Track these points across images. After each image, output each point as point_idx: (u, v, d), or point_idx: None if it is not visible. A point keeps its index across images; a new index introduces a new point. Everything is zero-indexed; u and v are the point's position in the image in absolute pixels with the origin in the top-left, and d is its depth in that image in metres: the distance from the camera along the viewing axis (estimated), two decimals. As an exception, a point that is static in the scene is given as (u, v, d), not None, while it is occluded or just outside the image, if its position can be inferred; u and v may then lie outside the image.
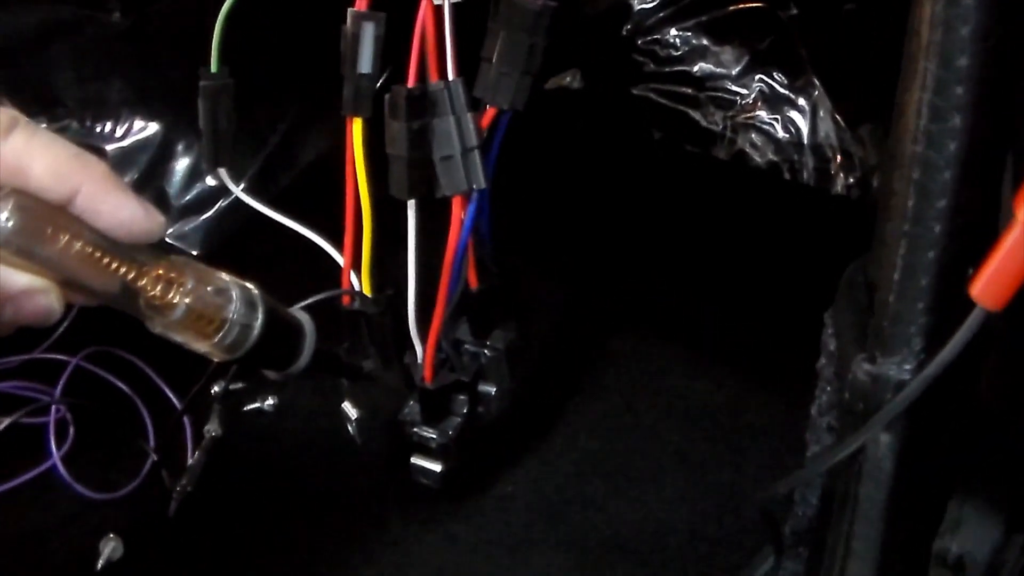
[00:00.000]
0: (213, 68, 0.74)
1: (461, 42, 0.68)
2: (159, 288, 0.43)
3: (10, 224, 0.38)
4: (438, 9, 0.67)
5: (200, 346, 0.46)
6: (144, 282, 0.42)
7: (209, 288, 0.45)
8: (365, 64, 0.69)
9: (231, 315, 0.45)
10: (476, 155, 0.68)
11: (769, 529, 0.62)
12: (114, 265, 0.42)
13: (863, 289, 0.50)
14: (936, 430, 0.48)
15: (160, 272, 0.43)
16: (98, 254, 0.41)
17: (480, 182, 0.68)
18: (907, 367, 0.45)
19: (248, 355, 0.47)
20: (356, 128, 0.70)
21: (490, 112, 0.69)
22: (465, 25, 0.68)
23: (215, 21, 0.72)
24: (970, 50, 0.37)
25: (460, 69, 0.68)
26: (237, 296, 0.46)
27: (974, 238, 0.42)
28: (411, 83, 0.67)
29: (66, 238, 0.40)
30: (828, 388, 0.54)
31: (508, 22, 0.68)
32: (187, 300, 0.43)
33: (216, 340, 0.45)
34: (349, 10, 0.68)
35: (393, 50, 0.69)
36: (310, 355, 0.52)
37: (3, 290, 0.40)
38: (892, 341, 0.44)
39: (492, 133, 0.70)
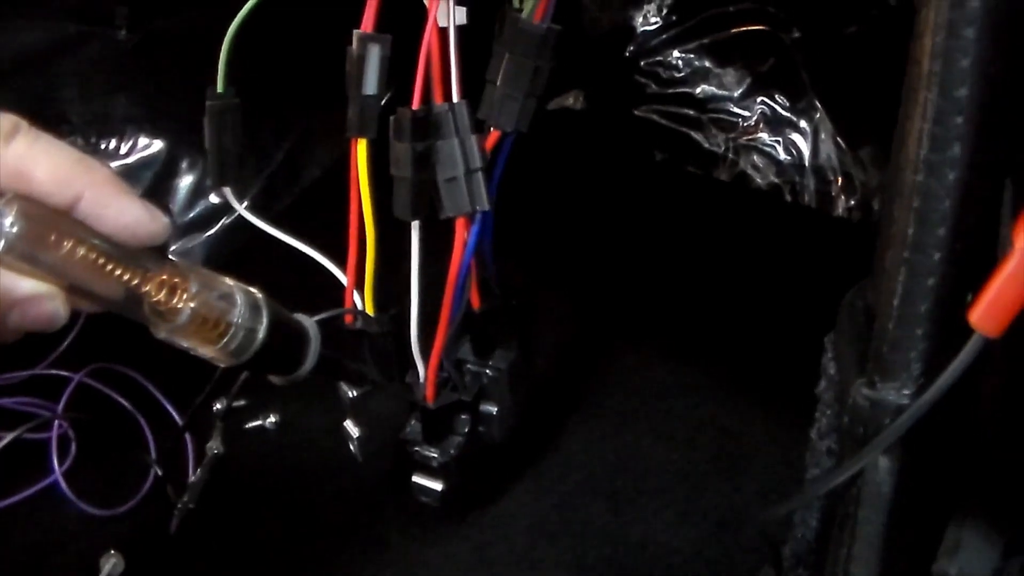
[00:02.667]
0: (219, 88, 0.74)
1: (465, 64, 0.68)
2: (163, 293, 0.43)
3: (14, 230, 0.38)
4: (443, 31, 0.67)
5: (205, 351, 0.46)
6: (148, 287, 0.42)
7: (213, 292, 0.45)
8: (370, 85, 0.69)
9: (236, 319, 0.45)
10: (480, 177, 0.69)
11: (769, 550, 0.62)
12: (118, 271, 0.42)
13: (863, 314, 0.51)
14: (935, 453, 0.49)
15: (164, 277, 0.43)
16: (102, 260, 0.41)
17: (484, 204, 0.69)
18: (906, 392, 0.45)
19: (253, 360, 0.47)
20: (360, 149, 0.70)
21: (494, 134, 0.70)
22: (469, 47, 0.68)
23: (220, 40, 0.72)
24: (970, 81, 0.38)
25: (464, 91, 0.69)
26: (241, 300, 0.46)
27: (973, 265, 0.42)
28: (416, 105, 0.67)
29: (70, 244, 0.40)
30: (828, 412, 0.54)
31: (513, 45, 0.68)
32: (191, 305, 0.43)
33: (221, 345, 0.45)
34: (355, 32, 0.68)
35: (396, 71, 0.70)
36: (315, 359, 0.53)
37: (8, 296, 0.40)
38: (891, 366, 0.45)
39: (496, 155, 0.71)
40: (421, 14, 0.67)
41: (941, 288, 0.42)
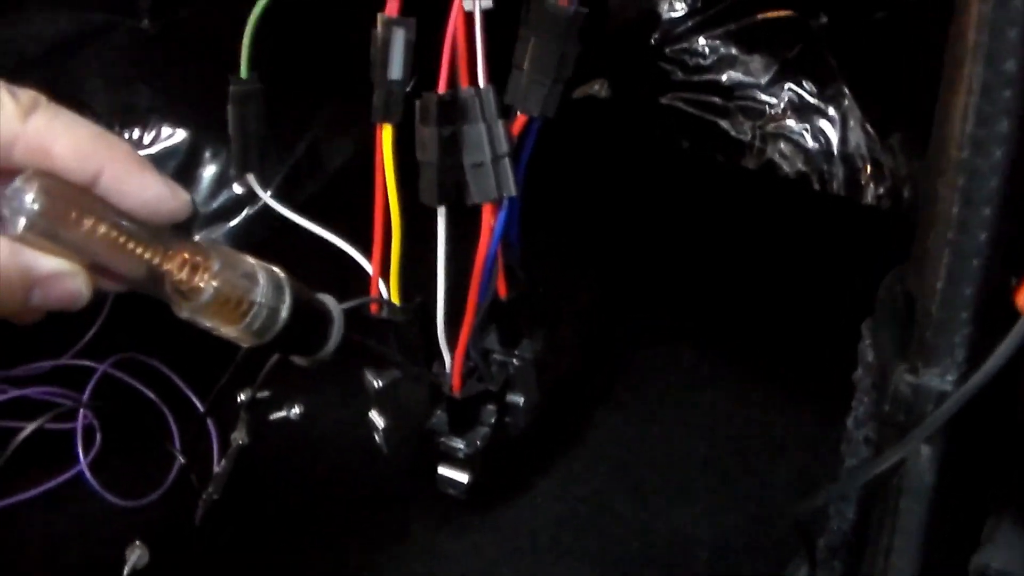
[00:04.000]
0: (243, 74, 0.74)
1: (491, 48, 0.67)
2: (185, 272, 0.42)
3: (36, 207, 0.38)
4: (469, 15, 0.66)
5: (228, 331, 0.45)
6: (170, 266, 0.42)
7: (236, 271, 0.44)
8: (395, 70, 0.68)
9: (258, 298, 0.45)
10: (507, 162, 0.68)
11: (803, 542, 0.61)
12: (139, 249, 0.41)
13: (902, 299, 0.49)
14: (977, 442, 0.48)
15: (186, 256, 0.42)
16: (123, 238, 0.41)
17: (511, 189, 0.68)
18: (950, 378, 0.44)
19: (276, 339, 0.46)
20: (386, 134, 0.69)
21: (521, 119, 0.69)
22: (495, 31, 0.67)
23: (243, 28, 0.71)
24: (1018, 54, 0.37)
25: (491, 76, 0.68)
26: (264, 279, 0.45)
27: (1019, 247, 0.41)
28: (442, 89, 0.66)
29: (91, 221, 0.40)
30: (865, 399, 0.53)
31: (539, 28, 0.67)
32: (214, 283, 0.42)
33: (244, 324, 0.45)
34: (380, 15, 0.67)
35: (421, 56, 0.69)
36: (339, 339, 0.52)
37: (30, 274, 0.39)
38: (935, 351, 0.44)
39: (522, 140, 0.70)
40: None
41: (986, 270, 0.41)
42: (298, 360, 0.53)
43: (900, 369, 0.45)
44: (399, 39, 0.68)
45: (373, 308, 0.76)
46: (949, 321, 0.43)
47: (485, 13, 0.66)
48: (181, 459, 0.84)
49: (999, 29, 0.36)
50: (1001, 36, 0.36)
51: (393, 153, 0.70)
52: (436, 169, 0.67)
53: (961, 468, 0.48)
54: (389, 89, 0.68)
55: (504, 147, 0.67)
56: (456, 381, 0.75)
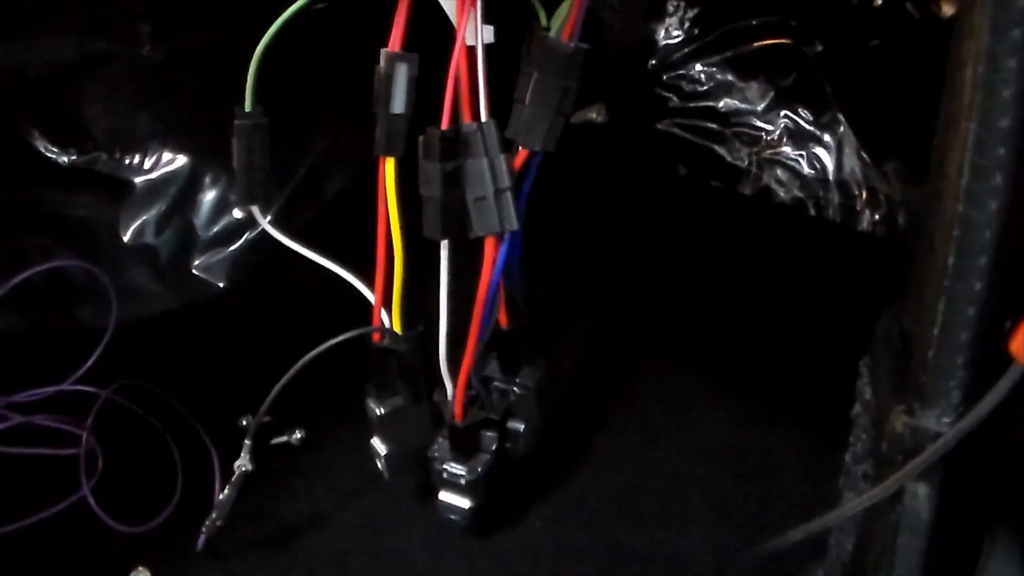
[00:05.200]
0: (247, 108, 0.75)
1: (492, 82, 0.68)
2: None
3: None
4: (471, 50, 0.67)
5: None
6: None
7: None
8: (398, 105, 0.69)
9: None
10: (509, 196, 0.69)
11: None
12: None
13: (898, 339, 0.51)
14: (972, 478, 0.49)
15: None
16: None
17: (513, 223, 0.69)
18: (946, 420, 0.45)
19: None
20: (388, 167, 0.71)
21: (522, 153, 0.70)
22: (496, 65, 0.68)
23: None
24: (1012, 112, 0.38)
25: (492, 110, 0.69)
26: None
27: (1013, 293, 0.42)
28: (445, 125, 0.67)
29: None
30: (863, 436, 0.54)
31: (541, 64, 0.68)
32: None
33: None
34: (383, 51, 0.68)
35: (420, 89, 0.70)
36: None
37: None
38: (931, 394, 0.45)
39: (524, 173, 0.71)
40: (446, 32, 0.68)
41: (981, 317, 0.42)
42: None
43: (897, 410, 0.46)
44: (402, 74, 0.69)
45: (375, 337, 0.77)
46: (945, 365, 0.44)
47: (487, 48, 0.68)
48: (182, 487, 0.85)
49: (993, 89, 0.38)
50: (995, 96, 0.38)
51: (396, 185, 0.71)
52: (439, 203, 0.68)
53: (959, 504, 0.49)
54: (391, 123, 0.70)
55: (506, 181, 0.69)
56: (458, 410, 0.76)
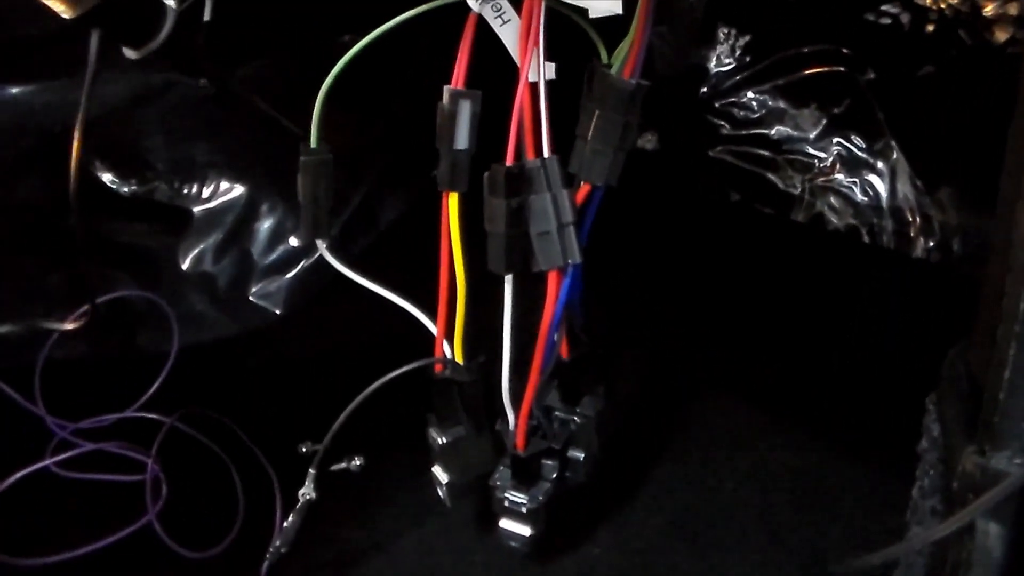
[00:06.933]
0: (313, 144, 0.76)
1: (554, 118, 0.69)
2: None
3: None
4: (533, 87, 0.69)
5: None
6: None
7: None
8: (461, 140, 0.71)
9: None
10: (571, 230, 0.70)
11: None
12: None
13: (966, 378, 0.51)
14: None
15: None
16: None
17: (576, 257, 0.70)
18: (1017, 461, 0.45)
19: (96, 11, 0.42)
20: (452, 202, 0.72)
21: (584, 188, 0.71)
22: (556, 102, 0.69)
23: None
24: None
25: (554, 145, 0.70)
26: None
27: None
28: (509, 162, 0.68)
29: None
30: (931, 472, 0.55)
31: (603, 101, 0.69)
32: None
33: None
34: (446, 88, 0.70)
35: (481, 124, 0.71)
36: (171, 27, 0.48)
37: None
38: (1002, 436, 0.45)
39: (586, 208, 0.72)
40: (507, 69, 0.69)
41: (1052, 360, 0.43)
42: (128, 52, 0.48)
43: (968, 451, 0.46)
44: (465, 111, 0.70)
45: (437, 368, 0.78)
46: (1015, 408, 0.44)
47: (549, 84, 0.69)
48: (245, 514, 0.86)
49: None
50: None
51: (460, 220, 0.72)
52: (504, 238, 0.69)
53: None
54: (455, 159, 0.71)
55: (569, 216, 0.70)
56: (520, 439, 0.77)
